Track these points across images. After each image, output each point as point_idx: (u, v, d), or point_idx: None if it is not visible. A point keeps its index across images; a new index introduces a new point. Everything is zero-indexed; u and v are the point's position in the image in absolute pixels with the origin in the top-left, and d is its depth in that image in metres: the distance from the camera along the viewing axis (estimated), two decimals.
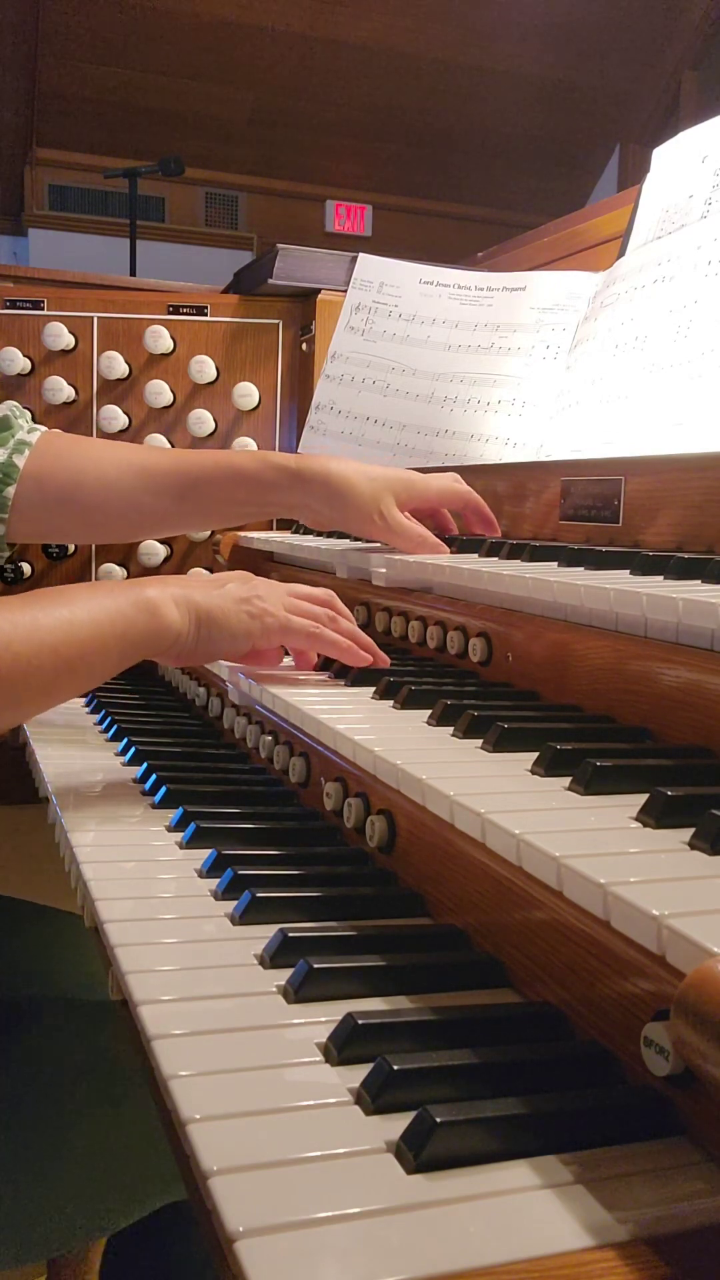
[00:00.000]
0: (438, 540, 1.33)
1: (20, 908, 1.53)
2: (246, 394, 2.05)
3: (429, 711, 0.99)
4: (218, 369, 2.05)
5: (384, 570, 1.31)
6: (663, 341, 1.31)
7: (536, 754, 0.82)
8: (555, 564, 1.14)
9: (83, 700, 1.56)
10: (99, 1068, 1.15)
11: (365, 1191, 0.49)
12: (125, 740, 1.28)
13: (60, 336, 2.04)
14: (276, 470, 1.37)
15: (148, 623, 1.06)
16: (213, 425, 2.04)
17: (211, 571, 1.93)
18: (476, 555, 1.27)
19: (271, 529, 1.95)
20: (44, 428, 1.41)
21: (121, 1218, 1.04)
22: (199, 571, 1.95)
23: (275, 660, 1.19)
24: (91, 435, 2.10)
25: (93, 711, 1.49)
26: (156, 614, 1.07)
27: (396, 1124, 0.53)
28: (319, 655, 1.21)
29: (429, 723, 0.97)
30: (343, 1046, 0.60)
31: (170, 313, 2.08)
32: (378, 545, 1.40)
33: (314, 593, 1.20)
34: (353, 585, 1.51)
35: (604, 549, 1.13)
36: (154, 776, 1.12)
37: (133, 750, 1.24)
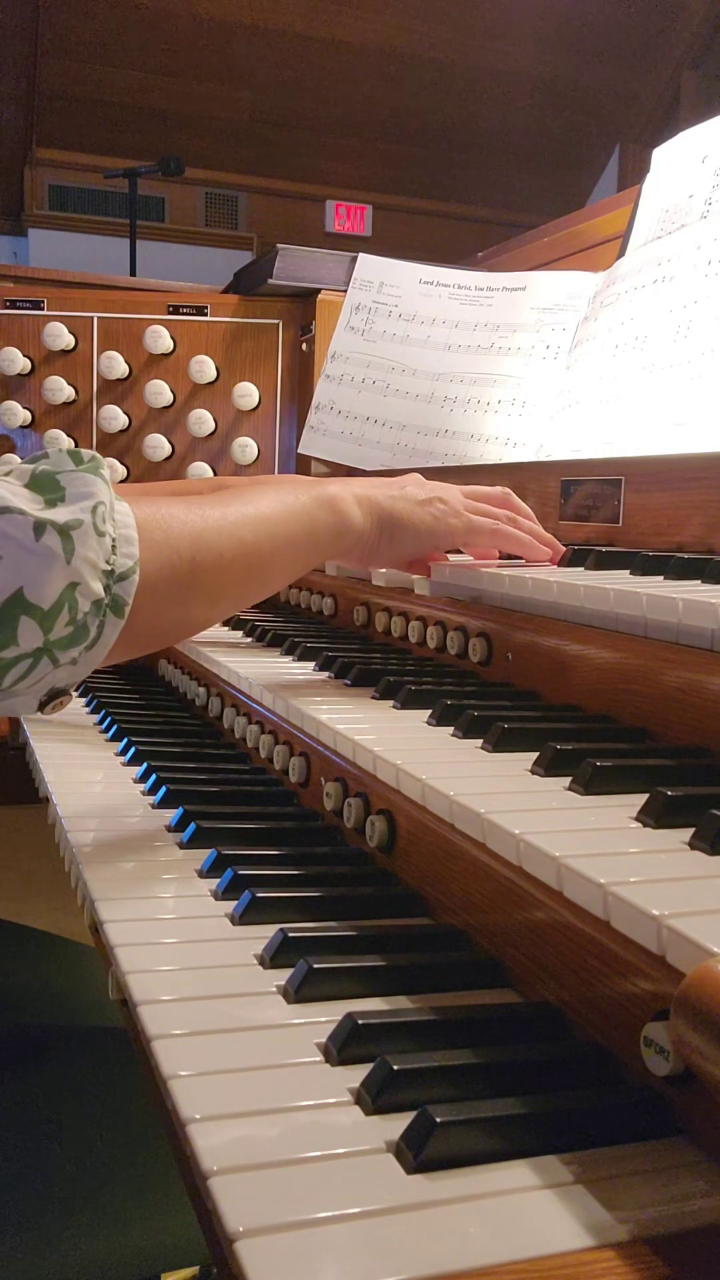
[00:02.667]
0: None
1: (33, 938, 1.53)
2: (246, 394, 2.05)
3: (429, 711, 0.99)
4: (218, 369, 2.05)
5: (383, 570, 1.31)
6: (663, 341, 1.31)
7: (536, 754, 0.82)
8: (555, 564, 1.14)
9: (83, 700, 1.56)
10: (113, 1125, 1.13)
11: (365, 1191, 0.49)
12: (125, 740, 1.28)
13: (60, 336, 2.04)
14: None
15: (331, 520, 1.04)
16: (213, 425, 2.05)
17: None
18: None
19: None
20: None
21: None
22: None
23: (427, 570, 1.19)
24: (92, 435, 2.10)
25: (93, 711, 1.49)
26: (340, 511, 1.05)
27: (396, 1124, 0.53)
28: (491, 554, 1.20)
29: (429, 723, 0.97)
30: (343, 1046, 0.60)
31: (170, 313, 2.08)
32: None
33: (490, 492, 1.19)
34: (352, 585, 1.51)
35: (604, 549, 1.13)
36: (154, 776, 1.12)
37: (133, 750, 1.24)
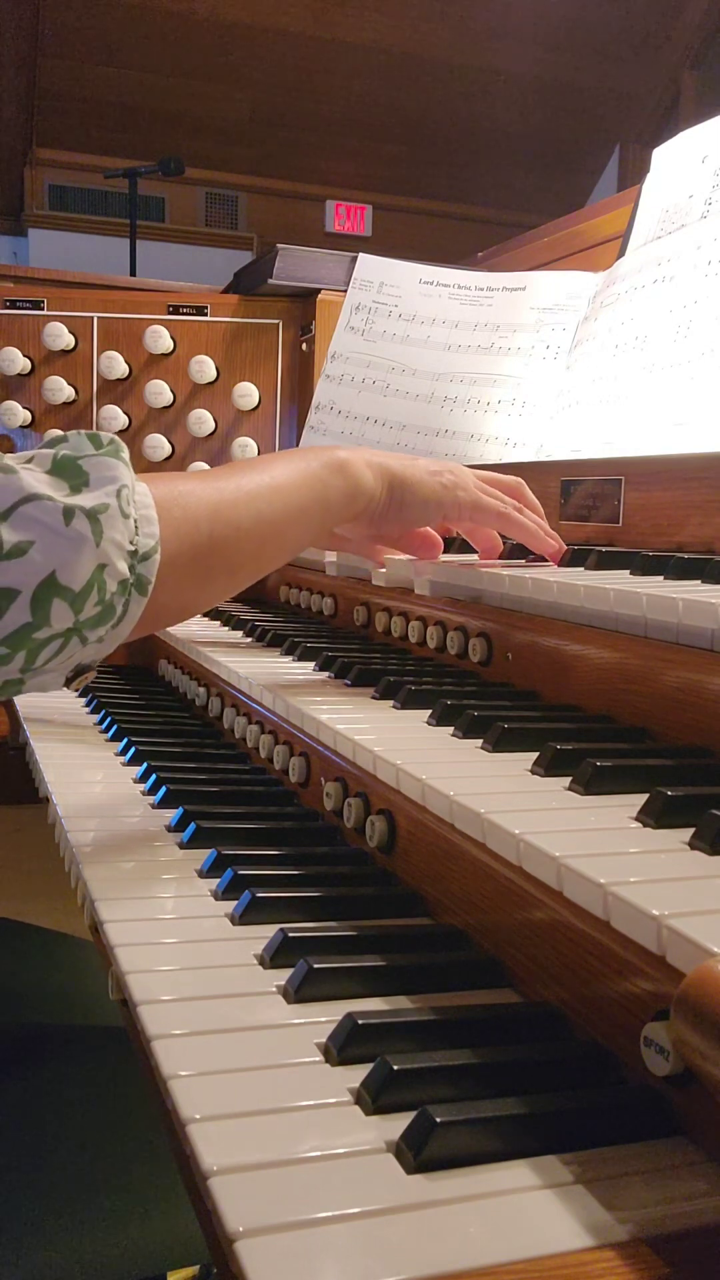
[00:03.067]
0: (438, 539, 1.32)
1: (34, 935, 1.53)
2: (246, 394, 2.05)
3: (429, 711, 0.99)
4: (218, 369, 2.05)
5: (382, 570, 1.31)
6: (663, 341, 1.31)
7: (536, 754, 0.82)
8: (555, 564, 1.14)
9: (83, 700, 1.56)
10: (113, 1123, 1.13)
11: (365, 1191, 0.49)
12: (125, 740, 1.28)
13: (60, 336, 2.04)
14: None
15: (342, 484, 1.05)
16: (213, 425, 2.05)
17: None
18: (476, 555, 1.27)
19: None
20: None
21: None
22: None
23: (435, 551, 1.20)
24: None
25: (93, 711, 1.49)
26: (351, 475, 1.05)
27: (396, 1124, 0.53)
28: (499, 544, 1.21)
29: (429, 723, 0.97)
30: (343, 1046, 0.60)
31: (170, 313, 2.08)
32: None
33: (503, 479, 1.19)
34: (351, 585, 1.51)
35: (604, 549, 1.13)
36: (154, 776, 1.12)
37: (133, 750, 1.24)
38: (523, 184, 7.72)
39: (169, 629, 1.58)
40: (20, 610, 0.76)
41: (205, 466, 2.08)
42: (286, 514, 0.99)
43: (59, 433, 2.06)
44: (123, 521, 0.82)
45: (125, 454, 0.86)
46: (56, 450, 0.84)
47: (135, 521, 0.84)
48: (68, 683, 0.87)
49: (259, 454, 2.07)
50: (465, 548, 1.30)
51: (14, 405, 2.05)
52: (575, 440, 1.44)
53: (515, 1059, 0.58)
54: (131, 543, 0.84)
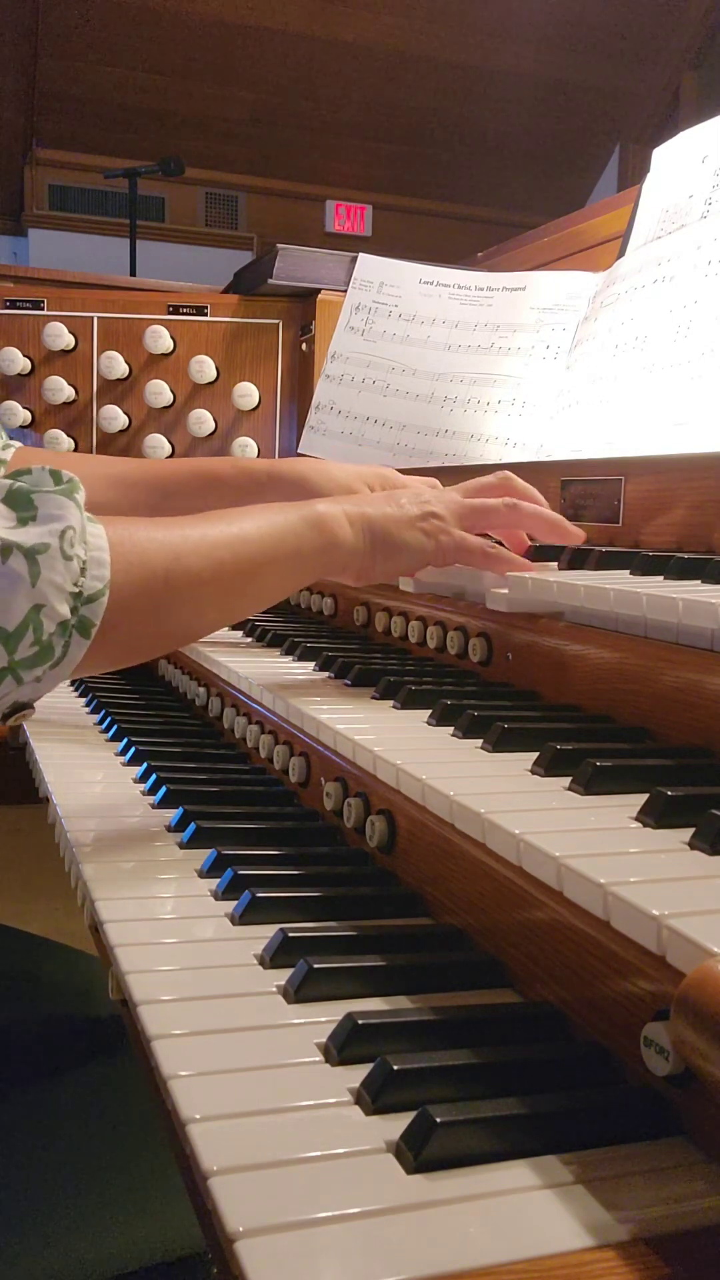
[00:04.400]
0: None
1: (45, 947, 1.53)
2: (246, 394, 2.05)
3: (429, 711, 0.99)
4: (218, 369, 2.05)
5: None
6: (663, 341, 1.31)
7: (536, 754, 0.82)
8: (555, 564, 1.14)
9: (83, 700, 1.56)
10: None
11: (365, 1191, 0.49)
12: (125, 740, 1.28)
13: (60, 336, 2.04)
14: (247, 475, 1.35)
15: (318, 539, 1.04)
16: (213, 425, 2.05)
17: None
18: None
19: None
20: (17, 444, 1.40)
21: None
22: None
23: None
24: (92, 435, 2.10)
25: (93, 711, 1.49)
26: (328, 531, 1.05)
27: (396, 1124, 0.53)
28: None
29: (429, 723, 0.97)
30: (343, 1046, 0.60)
31: (170, 313, 2.08)
32: None
33: (487, 482, 1.18)
34: (351, 585, 1.51)
35: (604, 549, 1.13)
36: (154, 776, 1.12)
37: (133, 750, 1.24)
38: (523, 184, 7.72)
39: None
40: None
41: None
42: (253, 566, 0.98)
43: (59, 433, 2.07)
44: (64, 563, 0.81)
45: (80, 495, 0.85)
46: (15, 480, 0.84)
47: (82, 564, 0.84)
48: (4, 719, 0.86)
49: (258, 454, 2.07)
50: None
51: (14, 405, 2.05)
52: (575, 440, 1.44)
53: (515, 1059, 0.58)
54: (76, 584, 0.83)
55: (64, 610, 0.82)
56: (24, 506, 0.82)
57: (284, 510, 1.04)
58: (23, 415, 2.05)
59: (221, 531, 0.97)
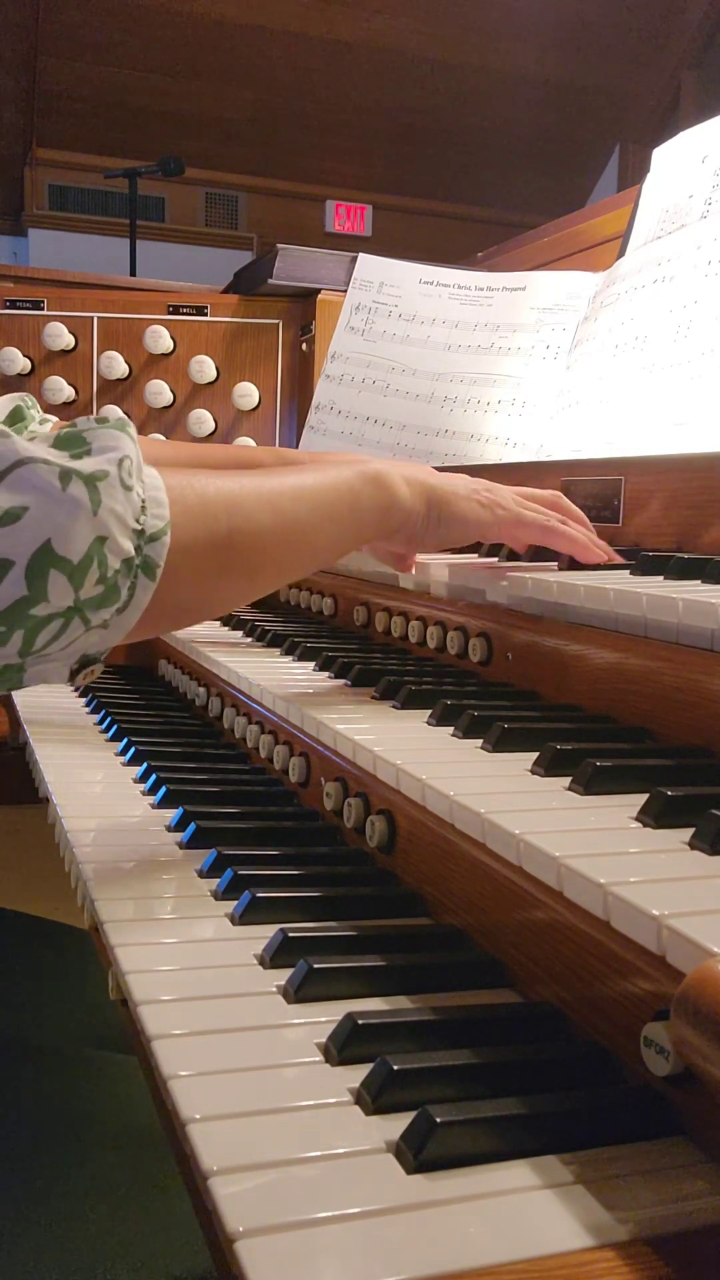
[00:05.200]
0: None
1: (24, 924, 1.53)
2: (246, 394, 2.05)
3: (429, 711, 0.99)
4: (218, 369, 2.05)
5: (371, 569, 1.31)
6: (663, 341, 1.31)
7: (537, 754, 0.82)
8: (555, 564, 1.14)
9: (83, 700, 1.56)
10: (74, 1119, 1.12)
11: (365, 1191, 0.49)
12: (125, 740, 1.28)
13: (60, 336, 2.04)
14: (287, 465, 1.34)
15: (376, 496, 1.01)
16: (213, 425, 2.05)
17: None
18: (476, 555, 1.27)
19: None
20: (54, 418, 1.39)
21: None
22: None
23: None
24: None
25: (93, 711, 1.49)
26: (386, 488, 1.02)
27: (396, 1124, 0.53)
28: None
29: (429, 723, 0.97)
30: (343, 1046, 0.60)
31: (170, 313, 2.08)
32: None
33: (540, 494, 1.16)
34: (351, 585, 1.51)
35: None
36: (154, 776, 1.12)
37: (133, 750, 1.24)
38: (523, 184, 7.72)
39: None
40: (15, 583, 0.72)
41: None
42: (312, 519, 0.95)
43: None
44: (124, 493, 0.78)
45: (132, 429, 0.82)
46: (62, 430, 0.81)
47: (142, 501, 0.80)
48: (72, 676, 0.82)
49: None
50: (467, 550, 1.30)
51: None
52: (575, 440, 1.44)
53: (515, 1059, 0.58)
54: (137, 520, 0.79)
55: (128, 546, 0.78)
56: (77, 444, 0.79)
57: (340, 466, 1.01)
58: None
59: (280, 482, 0.94)
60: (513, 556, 1.21)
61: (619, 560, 1.12)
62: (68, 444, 0.79)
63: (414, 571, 1.25)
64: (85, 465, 0.76)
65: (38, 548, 0.72)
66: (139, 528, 0.79)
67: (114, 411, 0.89)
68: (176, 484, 0.85)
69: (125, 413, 2.13)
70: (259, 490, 0.91)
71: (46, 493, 0.73)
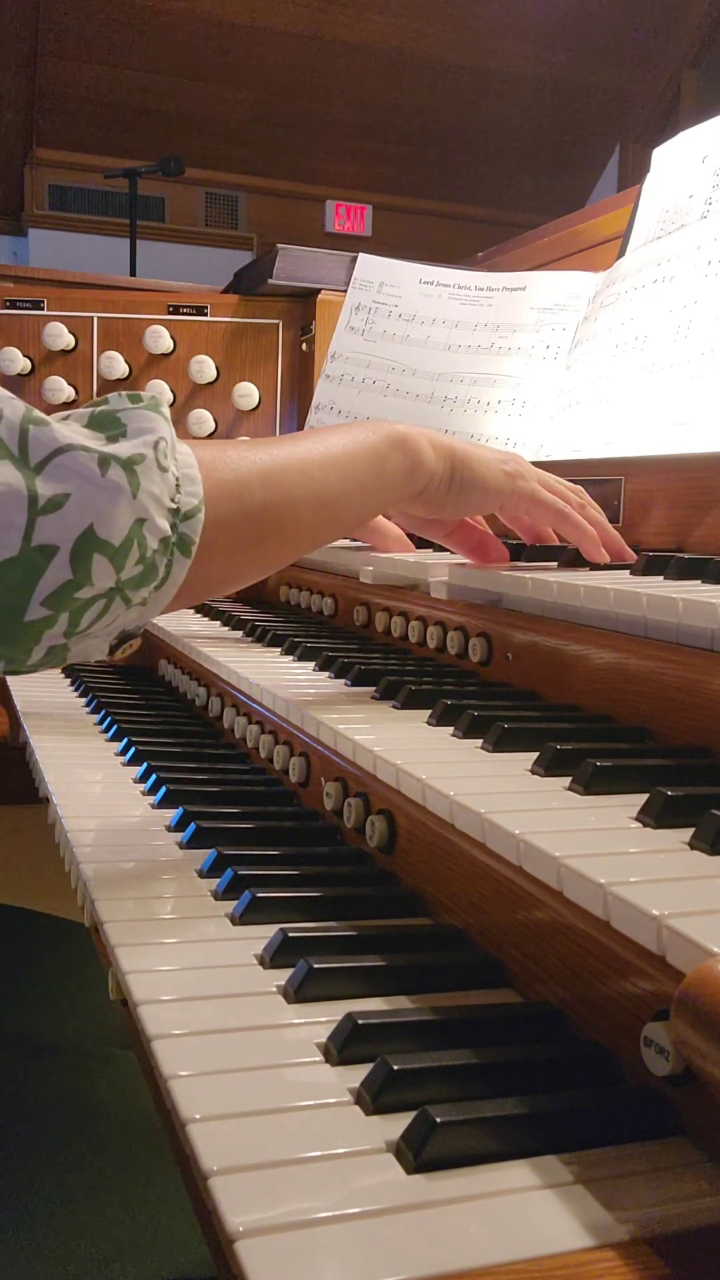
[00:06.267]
0: (502, 547, 1.23)
1: (27, 919, 1.53)
2: (246, 394, 2.05)
3: (429, 711, 0.99)
4: (218, 369, 2.05)
5: (370, 569, 1.31)
6: (663, 341, 1.31)
7: (536, 754, 0.82)
8: (555, 564, 1.14)
9: (83, 700, 1.56)
10: (77, 1113, 1.12)
11: (365, 1191, 0.49)
12: (125, 740, 1.28)
13: (60, 336, 2.04)
14: None
15: (402, 459, 1.01)
16: (213, 425, 2.05)
17: None
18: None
19: None
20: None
21: None
22: None
23: (495, 554, 1.16)
24: None
25: (93, 711, 1.49)
26: (412, 450, 1.02)
27: (396, 1124, 0.53)
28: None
29: (429, 723, 0.97)
30: (343, 1046, 0.60)
31: (170, 313, 2.08)
32: (368, 545, 1.41)
33: (565, 484, 1.16)
34: (351, 585, 1.51)
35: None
36: (154, 776, 1.12)
37: (133, 750, 1.24)
38: (523, 184, 7.72)
39: (167, 629, 1.58)
40: (60, 568, 0.73)
41: None
42: (343, 485, 0.96)
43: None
44: (160, 475, 0.79)
45: (165, 409, 0.83)
46: (95, 407, 0.82)
47: (177, 479, 0.81)
48: (112, 651, 0.84)
49: None
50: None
51: None
52: (575, 440, 1.44)
53: (515, 1059, 0.58)
54: (173, 500, 0.80)
55: (164, 526, 0.79)
56: (110, 425, 0.79)
57: (366, 429, 1.01)
58: None
59: (310, 449, 0.94)
60: (513, 556, 1.21)
61: (630, 557, 1.11)
62: (103, 425, 0.80)
63: (372, 567, 1.25)
64: (122, 449, 0.77)
65: (81, 532, 0.74)
66: (174, 506, 0.81)
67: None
68: (209, 459, 0.86)
69: None
70: (289, 460, 0.92)
71: (87, 479, 0.74)
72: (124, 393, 0.83)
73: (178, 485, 0.81)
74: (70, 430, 0.76)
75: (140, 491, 0.77)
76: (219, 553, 0.86)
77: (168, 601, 0.84)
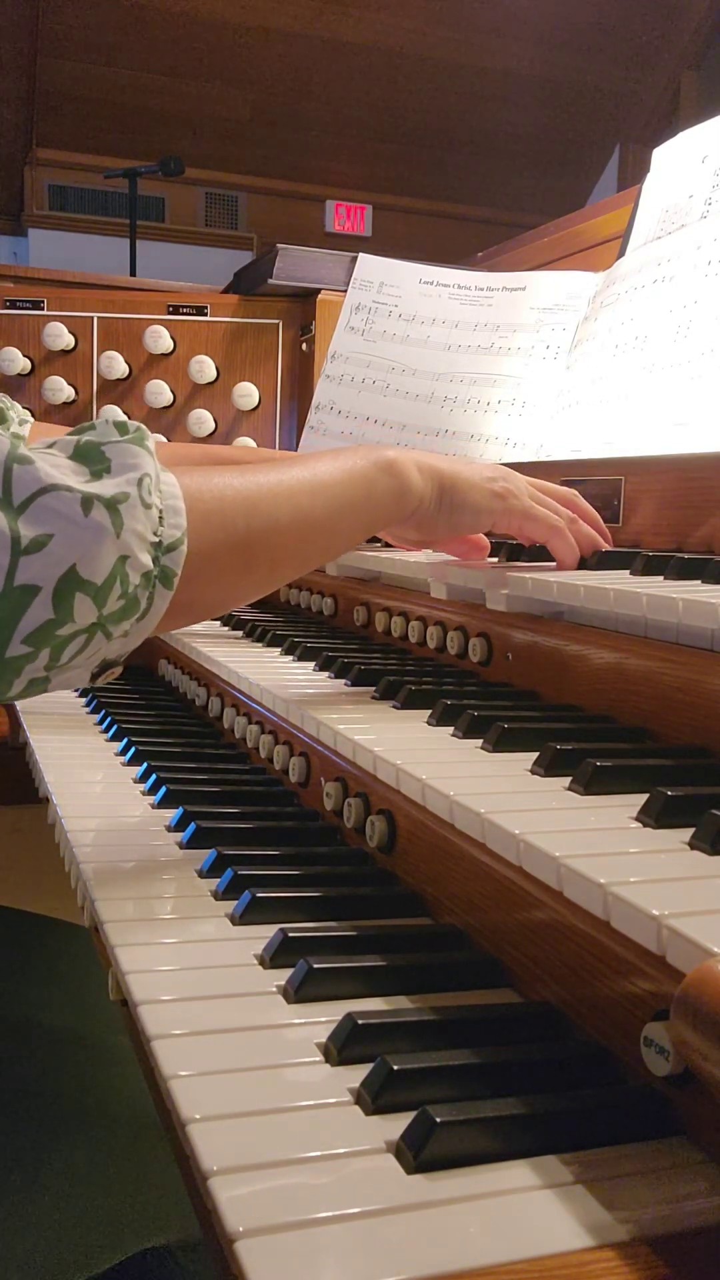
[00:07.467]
0: (485, 542, 1.25)
1: (29, 921, 1.53)
2: (246, 394, 2.05)
3: (429, 711, 0.99)
4: (218, 369, 2.05)
5: (373, 569, 1.31)
6: (663, 341, 1.31)
7: (536, 754, 0.82)
8: (555, 564, 1.14)
9: (83, 700, 1.56)
10: (83, 1101, 1.13)
11: (365, 1191, 0.49)
12: (125, 740, 1.28)
13: (60, 336, 2.04)
14: None
15: (390, 484, 1.02)
16: (213, 425, 2.05)
17: None
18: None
19: None
20: (31, 420, 1.39)
21: (97, 1262, 0.97)
22: None
23: (482, 554, 1.17)
24: None
25: (93, 711, 1.49)
26: (399, 475, 1.02)
27: (396, 1124, 0.53)
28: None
29: (429, 723, 0.97)
30: (343, 1046, 0.60)
31: (170, 313, 2.08)
32: (374, 544, 1.41)
33: (557, 489, 1.16)
34: (352, 585, 1.51)
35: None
36: (154, 776, 1.12)
37: (133, 750, 1.24)
38: (523, 184, 7.72)
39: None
40: (42, 607, 0.74)
41: None
42: (330, 511, 0.96)
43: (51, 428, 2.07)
44: (144, 511, 0.79)
45: (150, 442, 0.83)
46: (81, 436, 0.82)
47: (160, 512, 0.82)
48: (93, 679, 0.85)
49: None
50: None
51: None
52: (575, 440, 1.44)
53: (515, 1059, 0.58)
54: (155, 534, 0.81)
55: (147, 560, 0.80)
56: (95, 459, 0.80)
57: (353, 454, 1.02)
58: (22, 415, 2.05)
59: (296, 477, 0.95)
60: (514, 555, 1.21)
61: (605, 546, 1.13)
62: (87, 458, 0.80)
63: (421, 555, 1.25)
64: (106, 488, 0.78)
65: (63, 572, 0.74)
66: (156, 539, 0.81)
67: (114, 412, 0.90)
68: (194, 488, 0.86)
69: (125, 413, 2.14)
70: (275, 487, 0.92)
71: (70, 520, 0.75)
72: (111, 420, 0.84)
73: (160, 518, 0.82)
74: (54, 466, 0.77)
75: (124, 531, 0.77)
76: (204, 580, 0.86)
77: (150, 631, 0.84)
